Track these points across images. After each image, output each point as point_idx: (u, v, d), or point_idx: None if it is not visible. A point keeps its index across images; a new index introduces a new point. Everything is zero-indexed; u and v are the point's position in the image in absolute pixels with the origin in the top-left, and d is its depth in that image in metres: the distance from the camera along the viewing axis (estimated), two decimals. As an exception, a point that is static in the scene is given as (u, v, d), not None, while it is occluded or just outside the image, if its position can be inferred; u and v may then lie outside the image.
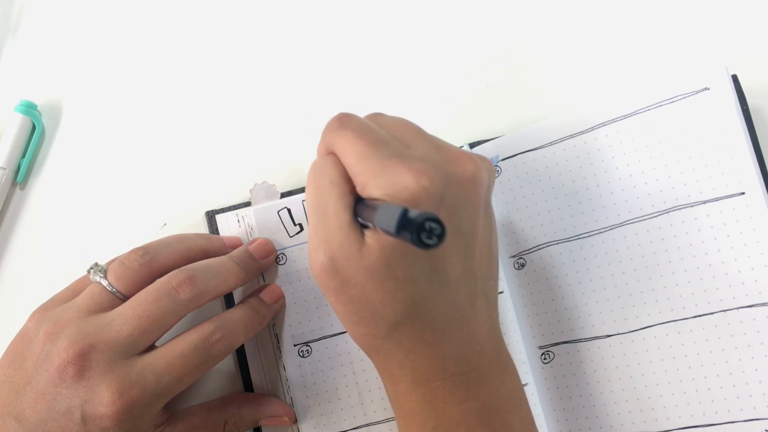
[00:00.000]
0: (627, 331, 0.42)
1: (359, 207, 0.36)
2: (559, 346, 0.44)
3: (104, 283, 0.40)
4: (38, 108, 0.49)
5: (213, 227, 0.46)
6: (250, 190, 0.46)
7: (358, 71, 0.49)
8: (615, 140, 0.43)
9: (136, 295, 0.39)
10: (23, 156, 0.48)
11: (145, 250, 0.41)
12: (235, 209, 0.46)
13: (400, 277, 0.35)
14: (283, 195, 0.46)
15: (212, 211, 0.46)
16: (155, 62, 0.50)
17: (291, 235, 0.45)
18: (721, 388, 0.41)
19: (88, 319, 0.38)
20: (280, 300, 0.44)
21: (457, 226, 0.35)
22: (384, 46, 0.49)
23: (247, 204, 0.46)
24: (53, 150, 0.49)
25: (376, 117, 0.38)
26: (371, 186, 0.34)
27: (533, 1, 0.49)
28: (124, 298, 0.39)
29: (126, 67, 0.50)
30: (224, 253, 0.43)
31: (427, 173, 0.34)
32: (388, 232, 0.30)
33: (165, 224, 0.48)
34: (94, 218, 0.48)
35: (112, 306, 0.39)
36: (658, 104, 0.42)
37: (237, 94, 0.49)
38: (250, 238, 0.45)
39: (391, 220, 0.29)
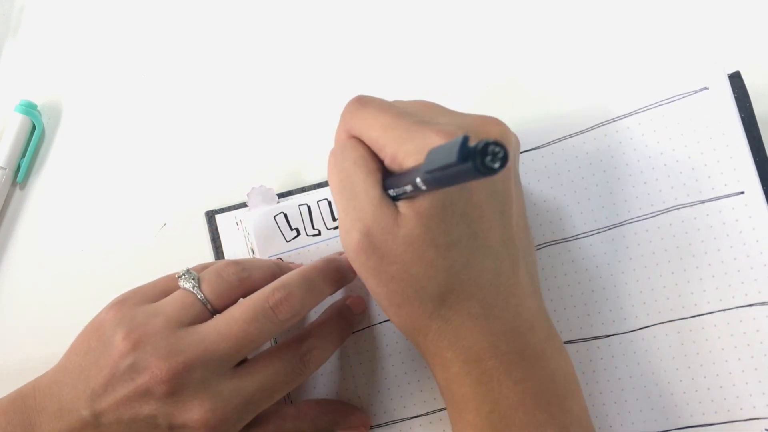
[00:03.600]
0: (627, 330, 0.42)
1: (389, 180, 0.34)
2: (558, 346, 0.44)
3: (196, 292, 0.38)
4: (38, 108, 0.49)
5: (213, 227, 0.46)
6: (247, 194, 0.46)
7: (357, 71, 0.49)
8: (614, 140, 0.43)
9: (230, 310, 0.37)
10: (23, 156, 0.48)
11: (243, 266, 0.39)
12: (234, 209, 0.46)
13: (441, 244, 0.33)
14: (283, 195, 0.46)
15: (212, 211, 0.46)
16: (155, 62, 0.50)
17: (288, 239, 0.45)
18: (721, 387, 0.40)
19: (178, 332, 0.36)
20: (365, 311, 0.43)
21: (492, 188, 0.34)
22: (383, 47, 0.49)
23: (246, 205, 0.46)
24: (53, 150, 0.49)
25: (395, 101, 0.38)
26: (401, 154, 0.33)
27: (533, 1, 0.49)
28: (213, 312, 0.38)
29: (126, 67, 0.50)
30: None
31: (455, 134, 0.32)
32: (437, 179, 0.28)
33: (165, 224, 0.48)
34: (94, 218, 0.48)
35: (201, 318, 0.37)
36: (657, 104, 0.42)
37: (237, 94, 0.49)
38: (248, 243, 0.45)
39: (449, 154, 0.27)
